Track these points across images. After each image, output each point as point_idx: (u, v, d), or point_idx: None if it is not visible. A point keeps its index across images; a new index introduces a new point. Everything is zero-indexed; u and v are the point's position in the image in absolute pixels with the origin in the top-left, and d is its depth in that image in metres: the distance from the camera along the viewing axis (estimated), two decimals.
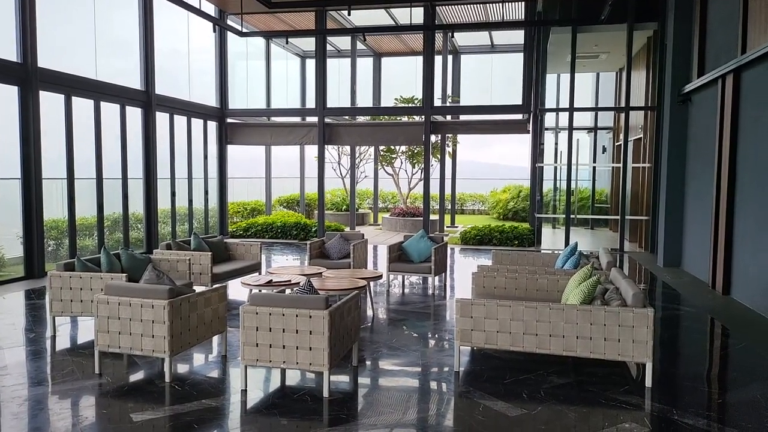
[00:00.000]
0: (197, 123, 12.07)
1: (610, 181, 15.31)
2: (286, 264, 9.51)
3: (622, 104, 11.67)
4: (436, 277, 7.24)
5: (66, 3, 8.91)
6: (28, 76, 7.70)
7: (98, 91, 9.04)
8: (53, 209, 8.52)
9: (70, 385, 3.85)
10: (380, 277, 6.34)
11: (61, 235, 8.72)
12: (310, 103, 14.13)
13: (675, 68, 8.97)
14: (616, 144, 14.44)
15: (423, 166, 13.04)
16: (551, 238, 12.94)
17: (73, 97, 8.57)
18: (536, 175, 11.76)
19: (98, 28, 9.20)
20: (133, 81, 10.07)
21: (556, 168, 14.55)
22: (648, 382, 3.82)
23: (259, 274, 7.24)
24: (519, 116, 12.22)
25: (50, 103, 8.22)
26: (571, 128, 11.38)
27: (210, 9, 11.90)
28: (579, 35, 10.99)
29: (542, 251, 10.80)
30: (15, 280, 7.67)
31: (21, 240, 7.91)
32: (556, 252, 6.99)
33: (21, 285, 7.41)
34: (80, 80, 8.67)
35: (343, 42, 15.19)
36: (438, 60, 13.52)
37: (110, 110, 9.41)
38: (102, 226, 9.27)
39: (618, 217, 11.49)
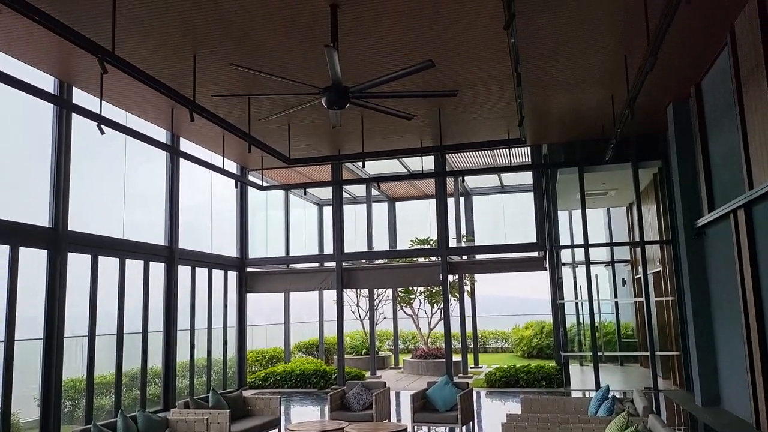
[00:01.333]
0: (218, 274, 12.28)
1: (634, 315, 15.01)
2: (306, 417, 9.18)
3: (637, 239, 11.77)
4: (464, 427, 6.91)
5: (98, 163, 9.48)
6: (58, 240, 8.02)
7: (124, 249, 9.34)
8: (72, 368, 8.45)
9: None
10: (405, 430, 6.07)
11: (78, 395, 8.58)
12: (328, 249, 14.41)
13: (685, 203, 9.14)
14: (635, 277, 14.34)
15: (442, 305, 12.96)
16: (580, 377, 12.46)
17: (99, 257, 8.85)
18: (558, 311, 11.60)
19: (127, 186, 9.71)
20: (158, 236, 10.42)
21: (577, 303, 14.37)
22: None
23: (279, 431, 6.98)
24: (535, 253, 12.31)
25: (77, 263, 8.48)
26: (588, 263, 11.40)
27: (232, 166, 12.58)
28: (586, 174, 11.37)
29: (572, 393, 10.38)
30: None
31: (38, 402, 7.78)
32: (587, 394, 6.70)
33: None
34: (107, 240, 9.00)
35: (359, 189, 15.80)
36: (451, 202, 13.93)
37: (134, 267, 9.66)
38: (120, 384, 9.13)
39: (647, 353, 11.11)
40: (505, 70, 7.72)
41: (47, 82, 7.76)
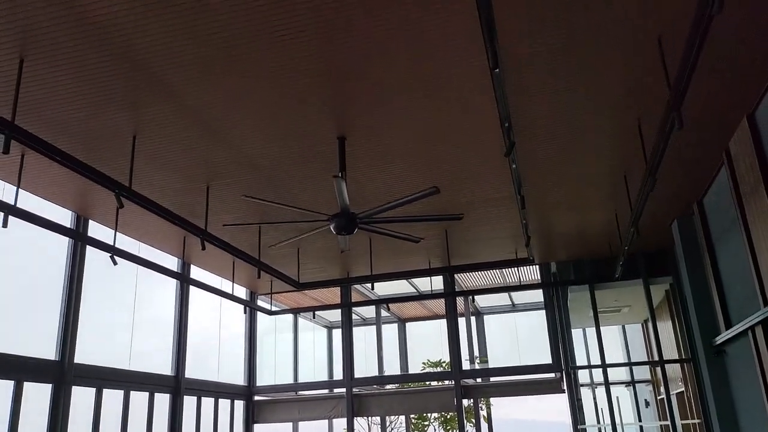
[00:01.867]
0: (224, 404, 11.88)
1: None
2: None
3: (655, 357, 11.44)
4: None
5: (108, 291, 9.51)
6: (64, 373, 7.87)
7: (129, 380, 9.14)
8: None
9: None
10: None
11: None
12: (338, 374, 14.02)
13: (701, 320, 8.96)
14: (658, 398, 13.77)
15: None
16: None
17: (104, 390, 8.63)
18: None
19: (136, 314, 9.66)
20: (164, 365, 10.23)
21: (600, 429, 13.67)
22: None
23: None
24: (551, 375, 11.92)
25: (81, 396, 8.26)
26: (607, 384, 10.99)
27: (242, 291, 12.60)
28: (597, 291, 11.27)
29: None
30: None
31: None
32: None
33: None
34: (113, 372, 8.82)
35: (368, 311, 15.66)
36: (462, 322, 13.71)
37: (139, 398, 9.39)
38: None
39: None
40: (509, 191, 7.92)
41: (65, 216, 8.01)
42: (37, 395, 7.66)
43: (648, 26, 4.67)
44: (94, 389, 8.49)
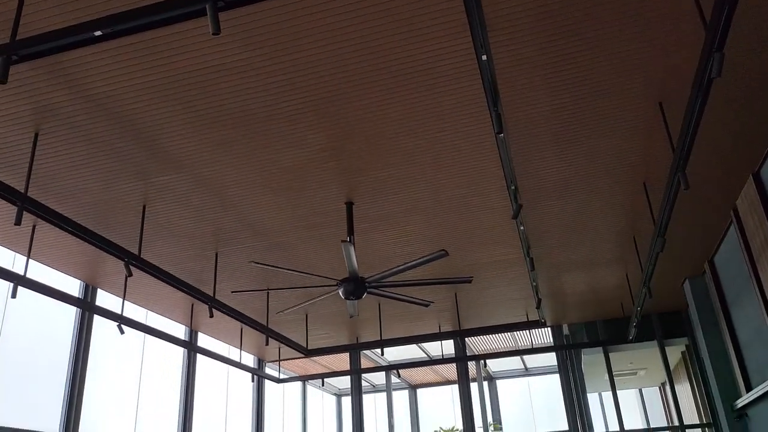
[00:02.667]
0: None
1: None
2: None
3: (675, 422, 11.07)
4: None
5: (114, 363, 9.37)
6: None
7: None
8: None
9: None
10: None
11: None
12: None
13: (720, 383, 8.71)
14: None
15: None
16: None
17: None
18: None
19: (142, 388, 9.48)
20: None
21: None
22: None
23: None
24: None
25: None
26: None
27: (249, 359, 12.41)
28: (612, 354, 11.04)
29: None
30: None
31: None
32: None
33: None
34: None
35: (378, 377, 15.35)
36: (474, 387, 13.38)
37: None
38: None
39: None
40: (518, 253, 7.89)
41: (73, 285, 8.01)
42: None
43: (650, 93, 4.76)
44: None
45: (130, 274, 5.74)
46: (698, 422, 10.85)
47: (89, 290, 8.17)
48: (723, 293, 8.55)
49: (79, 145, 4.97)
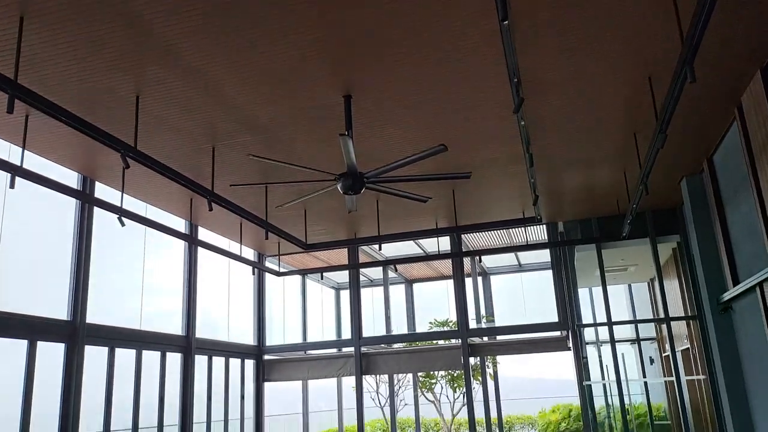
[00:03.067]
0: (235, 363, 12.09)
1: (665, 395, 14.41)
2: None
3: (661, 315, 11.50)
4: None
5: (118, 254, 9.59)
6: (76, 333, 8.00)
7: (141, 340, 9.29)
8: None
9: None
10: None
11: None
12: (346, 334, 14.21)
13: (708, 278, 8.97)
14: (663, 355, 13.90)
15: (465, 390, 12.56)
16: None
17: (116, 349, 8.78)
18: (585, 393, 11.17)
19: (146, 276, 9.76)
20: (175, 326, 10.38)
21: (604, 385, 13.86)
22: None
23: None
24: (557, 333, 12.02)
25: (93, 356, 8.41)
26: (613, 342, 11.08)
27: (249, 253, 12.67)
28: (604, 251, 11.28)
29: None
30: None
31: None
32: None
33: None
34: (125, 332, 8.97)
35: (375, 272, 15.77)
36: (468, 282, 13.79)
37: (151, 358, 9.56)
38: None
39: None
40: (517, 150, 7.85)
41: (71, 177, 8.01)
42: (51, 355, 7.81)
43: None
44: (107, 348, 8.65)
45: (127, 166, 5.72)
46: (683, 315, 11.28)
47: (87, 183, 8.19)
48: (719, 191, 8.61)
49: (66, 30, 4.78)
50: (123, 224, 6.77)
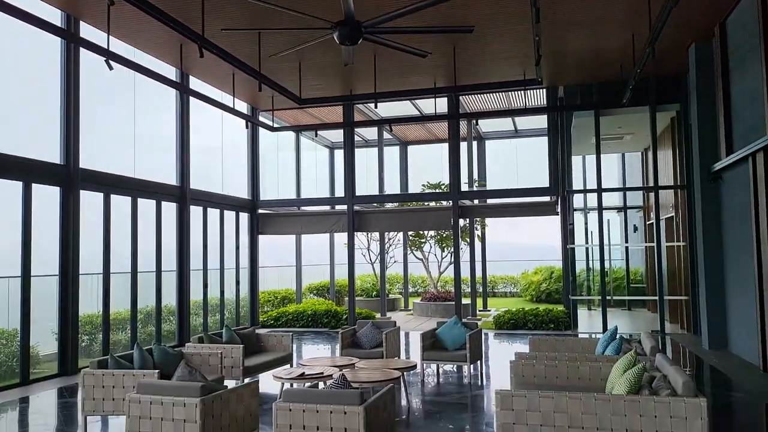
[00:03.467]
0: (229, 215, 12.34)
1: (644, 261, 15.01)
2: (317, 354, 9.37)
3: (651, 183, 11.64)
4: (472, 365, 7.03)
5: (108, 105, 9.42)
6: (70, 177, 8.03)
7: (136, 188, 9.37)
8: (88, 304, 8.62)
9: None
10: (414, 366, 6.19)
11: (94, 330, 8.78)
12: (339, 192, 14.40)
13: (702, 147, 8.97)
14: (647, 223, 14.27)
15: (452, 250, 13.00)
16: (587, 321, 12.57)
17: (111, 195, 8.88)
18: (568, 256, 11.60)
19: (138, 127, 9.65)
20: (169, 177, 10.43)
21: (587, 248, 14.36)
22: None
23: (291, 366, 7.14)
24: (547, 198, 12.23)
25: (90, 202, 8.53)
26: (600, 209, 11.32)
27: (243, 106, 12.45)
28: (602, 118, 11.15)
29: (580, 335, 10.48)
30: (49, 378, 7.67)
31: (56, 336, 7.98)
32: (594, 336, 6.76)
33: (54, 383, 7.40)
34: (119, 179, 9.02)
35: (370, 132, 15.64)
36: (463, 146, 13.76)
37: (146, 206, 9.71)
38: (135, 321, 9.33)
39: (656, 298, 11.16)
40: (523, 5, 7.46)
41: (54, 16, 7.62)
42: (48, 200, 7.90)
43: None
44: (102, 194, 8.74)
45: (111, 3, 5.42)
46: (672, 184, 11.43)
47: (71, 21, 7.81)
48: (727, 59, 8.36)
49: None
50: (111, 68, 6.53)
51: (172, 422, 3.81)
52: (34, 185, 7.56)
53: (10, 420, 5.78)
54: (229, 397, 4.05)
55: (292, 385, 5.58)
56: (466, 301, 14.10)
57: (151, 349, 5.61)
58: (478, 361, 7.49)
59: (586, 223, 14.16)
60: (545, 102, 12.20)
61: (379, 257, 15.37)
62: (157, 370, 5.07)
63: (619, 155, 16.37)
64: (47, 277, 7.98)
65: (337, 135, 15.64)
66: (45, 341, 8.02)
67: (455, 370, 7.57)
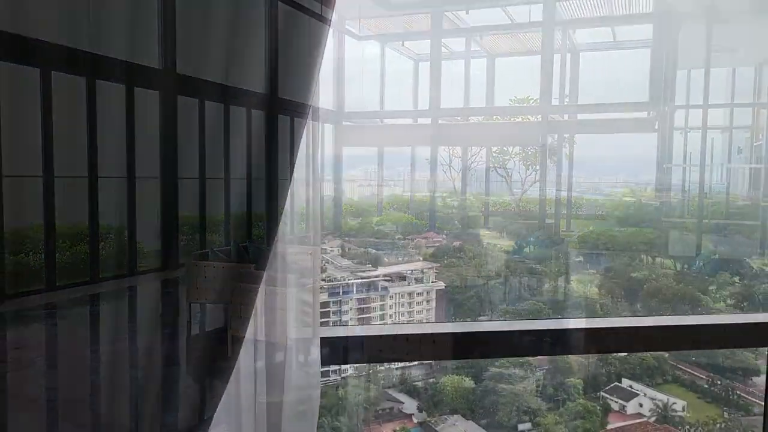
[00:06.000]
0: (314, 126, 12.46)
1: (748, 185, 14.08)
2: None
3: (764, 100, 10.72)
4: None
5: None
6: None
7: (224, 93, 9.56)
8: (186, 207, 9.08)
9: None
10: None
11: (192, 230, 9.30)
12: (423, 105, 14.18)
13: None
14: (754, 144, 13.27)
15: (538, 168, 12.66)
16: (680, 245, 12.09)
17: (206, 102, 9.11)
18: (663, 177, 11.04)
19: None
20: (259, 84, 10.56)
21: (685, 169, 13.60)
22: None
23: None
24: (644, 114, 11.54)
25: (182, 106, 8.79)
26: (705, 126, 10.58)
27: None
28: (715, 27, 10.21)
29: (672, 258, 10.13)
30: (153, 271, 8.27)
31: (158, 234, 8.52)
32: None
33: (158, 275, 7.97)
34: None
35: (457, 43, 15.11)
36: (556, 59, 13.06)
37: (237, 113, 9.92)
38: (228, 224, 9.79)
39: (758, 222, 10.52)
40: None
41: None
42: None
43: None
44: (197, 100, 8.98)
45: None
46: None
47: None
48: None
49: None
50: None
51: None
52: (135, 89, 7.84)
53: (121, 306, 6.32)
54: None
55: None
56: (549, 221, 13.84)
57: (246, 245, 5.88)
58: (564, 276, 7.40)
59: (685, 143, 13.31)
60: (652, 9, 11.26)
61: (460, 174, 15.19)
62: (252, 265, 5.33)
63: (729, 72, 15.07)
64: (149, 180, 8.42)
65: (423, 46, 15.21)
66: (148, 238, 8.57)
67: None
